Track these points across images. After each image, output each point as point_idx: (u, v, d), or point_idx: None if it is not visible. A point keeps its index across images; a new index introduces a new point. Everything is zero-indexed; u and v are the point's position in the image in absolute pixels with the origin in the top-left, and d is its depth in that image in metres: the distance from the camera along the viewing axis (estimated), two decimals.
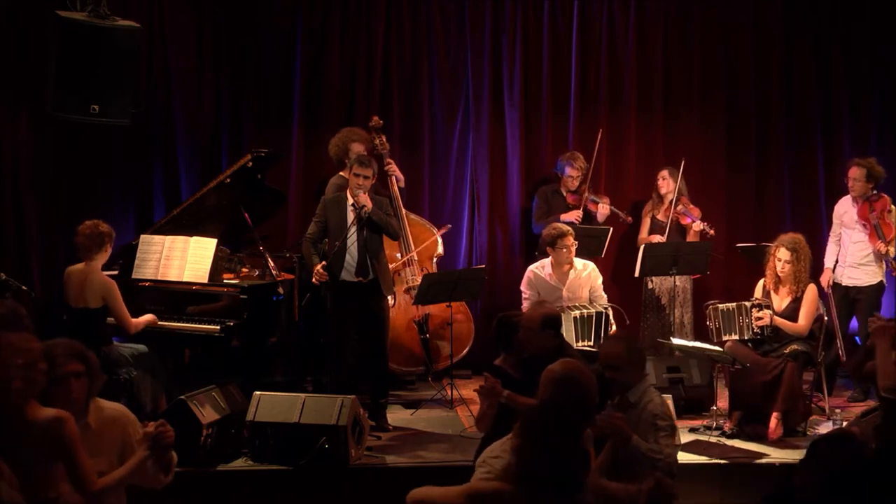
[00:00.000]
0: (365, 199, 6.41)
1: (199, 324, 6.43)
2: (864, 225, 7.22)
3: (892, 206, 7.22)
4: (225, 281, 6.66)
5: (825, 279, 7.38)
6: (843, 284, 7.35)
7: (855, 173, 7.24)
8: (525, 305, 6.72)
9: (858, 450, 3.15)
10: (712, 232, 7.61)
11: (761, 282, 6.71)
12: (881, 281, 7.33)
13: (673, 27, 8.35)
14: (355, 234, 6.46)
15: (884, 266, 7.28)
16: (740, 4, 8.39)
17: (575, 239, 6.83)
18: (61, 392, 3.66)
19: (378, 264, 6.58)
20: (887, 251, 7.13)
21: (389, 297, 6.85)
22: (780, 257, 6.50)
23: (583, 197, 7.72)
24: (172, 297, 6.55)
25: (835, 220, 7.52)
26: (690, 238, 7.73)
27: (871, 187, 7.23)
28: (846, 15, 8.39)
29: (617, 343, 4.61)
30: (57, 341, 3.76)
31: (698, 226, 7.61)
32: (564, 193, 7.80)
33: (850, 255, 7.33)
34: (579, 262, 6.93)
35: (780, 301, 6.59)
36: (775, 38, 8.38)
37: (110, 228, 6.20)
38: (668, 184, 7.72)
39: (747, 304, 6.53)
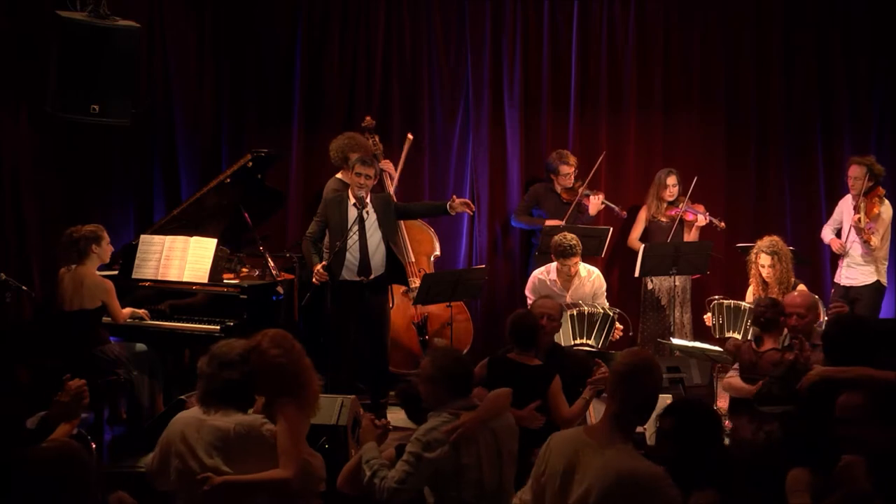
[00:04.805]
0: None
1: (199, 324, 6.43)
2: (858, 218, 7.20)
3: (885, 197, 7.26)
4: (225, 281, 6.65)
5: (836, 245, 7.38)
6: (843, 285, 7.35)
7: (855, 171, 7.23)
8: None
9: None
10: (723, 224, 7.60)
11: (750, 290, 6.69)
12: (878, 281, 7.33)
13: (673, 27, 8.34)
14: (356, 233, 6.47)
15: (884, 265, 7.33)
16: (741, 5, 8.38)
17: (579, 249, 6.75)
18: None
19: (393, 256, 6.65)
20: (859, 219, 7.11)
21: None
22: (763, 263, 6.53)
23: (578, 193, 7.71)
24: (172, 296, 6.55)
25: (835, 215, 7.54)
26: (689, 236, 7.72)
27: (872, 185, 7.22)
28: (846, 15, 8.38)
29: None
30: (270, 332, 4.01)
31: (704, 220, 7.59)
32: (559, 191, 7.79)
33: (848, 255, 7.33)
34: (584, 269, 6.87)
35: None
36: (775, 38, 8.38)
37: (91, 230, 6.17)
38: (678, 190, 7.71)
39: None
